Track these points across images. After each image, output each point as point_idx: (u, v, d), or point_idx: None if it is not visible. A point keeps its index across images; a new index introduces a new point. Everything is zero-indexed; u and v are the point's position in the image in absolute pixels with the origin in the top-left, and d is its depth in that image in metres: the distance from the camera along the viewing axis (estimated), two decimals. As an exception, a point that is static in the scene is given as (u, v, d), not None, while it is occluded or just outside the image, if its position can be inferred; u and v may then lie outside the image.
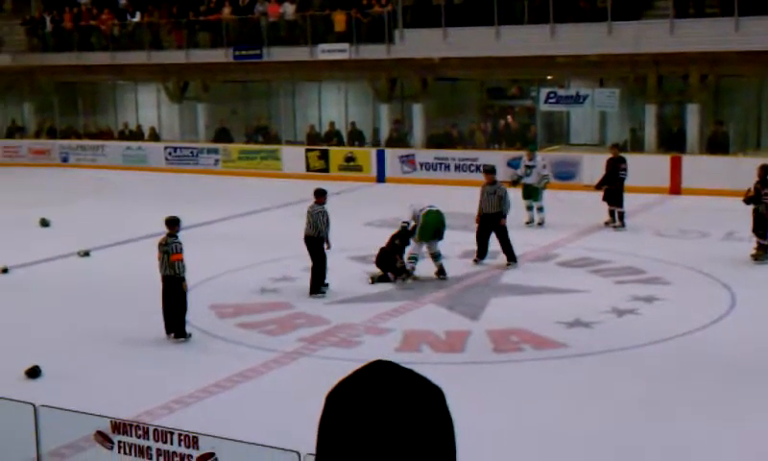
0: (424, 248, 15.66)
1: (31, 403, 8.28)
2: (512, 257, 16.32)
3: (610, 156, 19.72)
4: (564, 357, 11.59)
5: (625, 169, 19.18)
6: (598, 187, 19.58)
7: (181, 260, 12.56)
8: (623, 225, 19.25)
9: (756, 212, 16.00)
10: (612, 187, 19.20)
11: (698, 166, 23.07)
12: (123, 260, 17.85)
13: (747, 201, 16.16)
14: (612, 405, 10.14)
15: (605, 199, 19.37)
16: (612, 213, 19.35)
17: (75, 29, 33.77)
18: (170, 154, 31.58)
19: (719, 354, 11.50)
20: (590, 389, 10.63)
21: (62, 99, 35.22)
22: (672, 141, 24.63)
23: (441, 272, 15.57)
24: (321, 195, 15.13)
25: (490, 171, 17.14)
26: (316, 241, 14.81)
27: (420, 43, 26.65)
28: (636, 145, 25.04)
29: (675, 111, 25.36)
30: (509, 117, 28.53)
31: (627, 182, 19.48)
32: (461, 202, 22.37)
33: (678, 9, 23.41)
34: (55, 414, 8.20)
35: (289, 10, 29.76)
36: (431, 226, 15.50)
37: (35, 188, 28.18)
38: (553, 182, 21.44)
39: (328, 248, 14.92)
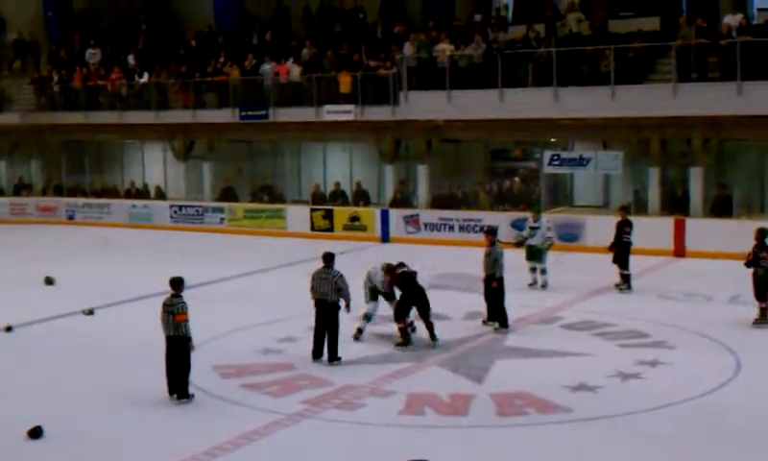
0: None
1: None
2: (503, 323, 16.24)
3: (618, 218, 19.82)
4: (568, 422, 11.53)
5: (629, 233, 19.27)
6: (610, 249, 19.65)
7: (186, 321, 12.58)
8: (629, 287, 19.27)
9: (755, 276, 16.01)
10: (619, 249, 19.29)
11: (702, 229, 23.09)
12: (127, 319, 17.86)
13: (747, 264, 16.19)
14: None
15: (614, 262, 19.44)
16: (621, 275, 19.40)
17: (83, 88, 34.08)
18: (175, 212, 31.72)
19: (726, 421, 11.42)
20: (595, 455, 10.56)
21: (69, 157, 35.46)
22: (675, 204, 24.71)
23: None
24: (331, 259, 14.79)
25: (488, 232, 17.19)
26: (332, 306, 14.54)
27: (424, 105, 26.86)
28: (640, 207, 25.10)
29: (678, 175, 25.45)
30: (516, 179, 28.63)
31: (633, 240, 19.53)
32: (464, 263, 22.46)
33: (680, 73, 23.60)
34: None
35: (295, 71, 30.03)
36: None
37: (40, 246, 28.27)
38: (557, 244, 21.46)
39: (348, 311, 14.85)
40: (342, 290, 14.52)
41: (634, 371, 13.60)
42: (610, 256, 19.61)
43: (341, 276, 14.57)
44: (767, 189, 25.97)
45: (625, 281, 19.35)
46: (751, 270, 16.08)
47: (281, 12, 33.57)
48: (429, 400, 12.49)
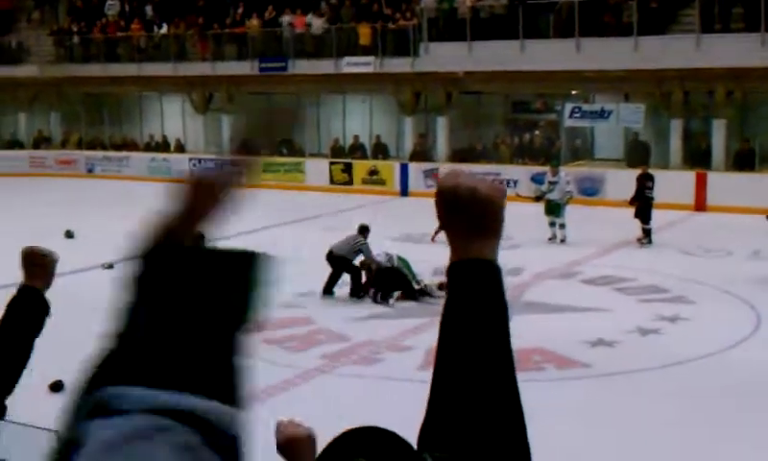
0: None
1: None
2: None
3: (639, 172, 19.68)
4: (587, 377, 11.52)
5: (651, 187, 19.17)
6: (631, 203, 19.54)
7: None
8: (650, 241, 19.17)
9: None
10: (641, 204, 19.18)
11: (724, 183, 22.90)
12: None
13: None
14: (637, 427, 10.05)
15: (636, 216, 19.34)
16: (643, 230, 19.29)
17: (102, 40, 34.00)
18: (194, 165, 31.69)
19: (745, 376, 11.37)
20: (614, 410, 10.54)
21: (89, 110, 35.48)
22: (697, 157, 24.49)
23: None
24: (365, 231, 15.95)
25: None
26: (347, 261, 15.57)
27: (444, 57, 26.65)
28: (641, 158, 24.89)
29: (701, 127, 25.20)
30: (537, 132, 28.44)
31: (654, 195, 19.42)
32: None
33: (703, 24, 23.29)
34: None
35: (316, 23, 29.83)
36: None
37: (60, 199, 28.36)
38: (577, 198, 21.34)
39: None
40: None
41: (653, 326, 13.55)
42: (630, 211, 19.49)
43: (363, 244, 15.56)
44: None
45: (646, 236, 19.25)
46: None
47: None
48: (447, 355, 12.48)
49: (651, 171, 19.92)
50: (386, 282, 15.59)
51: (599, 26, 24.88)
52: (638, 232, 19.37)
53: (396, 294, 15.52)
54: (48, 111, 36.55)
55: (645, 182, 19.25)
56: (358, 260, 15.76)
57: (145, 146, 34.14)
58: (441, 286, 15.61)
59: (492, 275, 1.64)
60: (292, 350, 13.01)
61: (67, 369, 10.96)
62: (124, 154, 33.77)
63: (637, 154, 25.11)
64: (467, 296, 1.64)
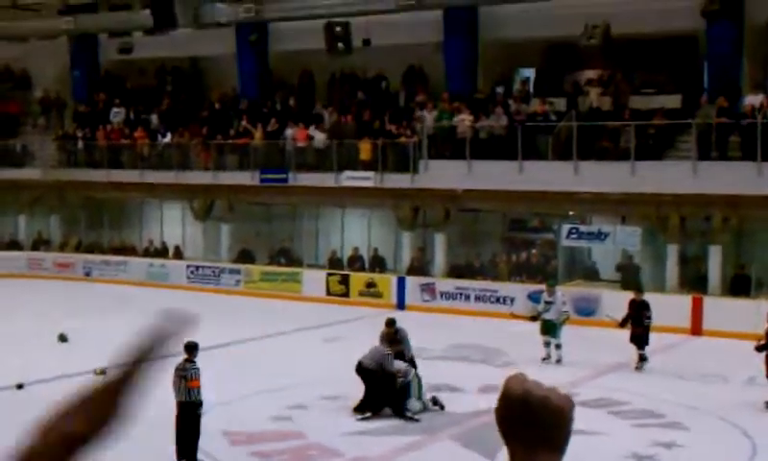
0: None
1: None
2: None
3: (632, 297, 19.68)
4: (580, 503, 11.35)
5: (650, 317, 19.19)
6: (622, 325, 19.51)
7: (199, 388, 12.53)
8: (642, 367, 19.10)
9: None
10: (639, 331, 19.16)
11: (720, 308, 22.90)
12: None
13: (759, 348, 16.05)
14: None
15: (633, 342, 19.28)
16: (640, 356, 19.24)
17: (106, 146, 34.41)
18: (192, 272, 31.79)
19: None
20: None
21: (89, 214, 35.71)
22: (694, 282, 24.57)
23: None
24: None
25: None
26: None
27: (443, 174, 26.95)
28: (631, 279, 24.99)
29: (697, 252, 25.34)
30: (533, 250, 28.59)
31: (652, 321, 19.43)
32: (480, 333, 22.36)
33: (700, 151, 23.62)
34: None
35: (318, 136, 30.25)
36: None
37: (56, 302, 28.32)
38: (574, 318, 21.34)
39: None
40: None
41: (649, 453, 13.42)
42: (627, 333, 19.42)
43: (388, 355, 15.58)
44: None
45: (641, 361, 19.19)
46: (764, 354, 15.92)
47: (306, 78, 33.90)
48: (440, 475, 12.35)
49: (646, 295, 19.91)
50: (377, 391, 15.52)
51: (597, 150, 25.22)
52: (635, 358, 19.22)
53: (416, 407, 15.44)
54: (48, 214, 36.75)
55: (643, 311, 19.20)
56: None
57: (144, 251, 34.24)
58: (434, 401, 15.61)
59: None
60: (283, 464, 12.86)
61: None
62: (122, 258, 33.84)
63: (629, 277, 25.22)
64: None
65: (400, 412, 15.23)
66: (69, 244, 36.08)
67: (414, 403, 15.50)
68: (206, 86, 36.46)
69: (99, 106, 36.60)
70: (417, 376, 15.71)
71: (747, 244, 25.19)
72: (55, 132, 37.03)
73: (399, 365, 15.63)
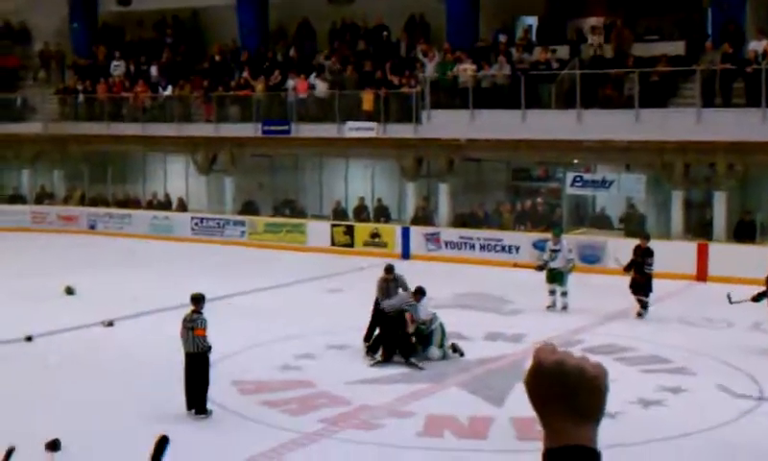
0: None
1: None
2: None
3: (638, 243, 19.67)
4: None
5: (651, 264, 19.10)
6: (627, 270, 19.51)
7: (205, 336, 12.58)
8: (644, 314, 19.08)
9: None
10: (640, 279, 19.12)
11: (725, 254, 22.92)
12: (147, 332, 17.87)
13: (756, 298, 16.14)
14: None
15: (634, 291, 19.24)
16: (640, 302, 19.22)
17: (107, 100, 34.29)
18: (196, 224, 31.80)
19: (749, 449, 11.30)
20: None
21: (92, 167, 35.62)
22: (699, 228, 24.56)
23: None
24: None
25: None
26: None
27: (446, 124, 26.84)
28: (636, 221, 24.96)
29: (702, 199, 25.30)
30: (538, 199, 28.55)
31: (655, 268, 19.40)
32: (485, 282, 22.40)
33: (705, 98, 23.49)
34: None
35: (320, 87, 30.11)
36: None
37: (61, 255, 28.38)
38: (579, 266, 21.35)
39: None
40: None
41: (655, 397, 13.49)
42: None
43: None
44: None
45: (642, 307, 19.17)
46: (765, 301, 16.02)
47: (306, 29, 33.68)
48: (448, 422, 12.42)
49: (651, 243, 19.88)
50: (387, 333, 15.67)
51: (600, 98, 25.09)
52: (636, 306, 19.20)
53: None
54: (51, 168, 36.70)
55: (646, 259, 19.14)
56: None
57: (147, 204, 34.24)
58: (454, 348, 15.73)
59: None
60: (291, 413, 12.93)
61: (66, 427, 10.85)
62: (126, 211, 33.85)
63: (633, 225, 25.21)
64: None
65: (407, 359, 15.33)
66: (73, 197, 36.05)
67: (434, 351, 15.63)
68: (206, 38, 36.23)
69: (99, 59, 36.40)
70: (441, 324, 15.81)
71: (752, 190, 25.12)
72: (55, 85, 36.86)
73: (426, 314, 15.80)
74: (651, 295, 19.21)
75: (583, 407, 1.53)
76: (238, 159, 32.13)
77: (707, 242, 23.61)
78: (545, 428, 1.55)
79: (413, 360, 15.34)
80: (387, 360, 15.46)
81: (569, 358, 1.57)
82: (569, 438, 1.54)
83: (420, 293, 15.99)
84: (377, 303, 16.32)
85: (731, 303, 16.94)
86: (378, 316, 16.20)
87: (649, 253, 19.25)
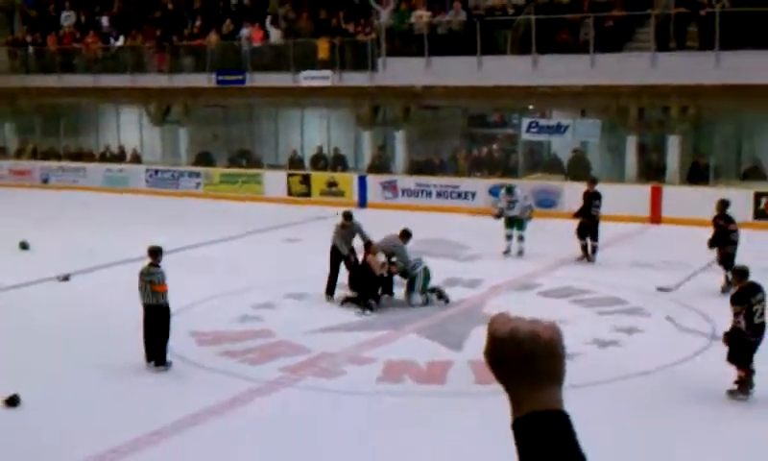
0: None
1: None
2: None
3: (586, 188, 19.73)
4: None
5: (599, 205, 19.04)
6: (576, 216, 19.59)
7: (166, 291, 12.52)
8: (593, 259, 19.05)
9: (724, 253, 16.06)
10: (587, 222, 19.11)
11: (678, 197, 23.18)
12: (104, 285, 17.74)
13: (711, 244, 16.32)
14: (597, 439, 10.12)
15: (579, 232, 19.21)
16: (584, 248, 19.20)
17: (58, 51, 33.73)
18: (151, 176, 31.53)
19: (702, 387, 11.51)
20: (575, 422, 10.58)
21: (44, 120, 35.13)
22: (652, 172, 24.79)
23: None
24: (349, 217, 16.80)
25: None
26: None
27: (402, 71, 26.75)
28: (585, 165, 25.11)
29: (656, 143, 25.51)
30: (494, 146, 28.61)
31: (609, 211, 19.51)
32: (443, 229, 22.48)
33: (659, 42, 23.60)
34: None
35: (274, 35, 29.82)
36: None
37: (14, 210, 28.02)
38: (535, 211, 21.44)
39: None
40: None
41: (611, 338, 13.68)
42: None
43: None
44: (743, 158, 26.08)
45: (592, 252, 19.12)
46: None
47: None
48: (407, 367, 12.51)
49: (607, 186, 19.99)
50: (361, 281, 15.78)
51: (556, 43, 25.10)
52: (580, 251, 19.18)
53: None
54: (2, 122, 36.14)
55: (593, 201, 19.08)
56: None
57: (101, 157, 33.87)
58: (439, 294, 15.87)
59: (565, 427, 1.57)
60: (251, 362, 12.95)
61: (24, 383, 10.79)
62: (80, 164, 33.47)
63: (580, 168, 25.35)
64: (543, 456, 1.56)
65: (365, 300, 15.50)
66: (25, 151, 35.57)
67: (417, 297, 15.72)
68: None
69: (49, 10, 35.75)
70: (425, 269, 15.87)
71: (705, 133, 25.40)
72: (4, 37, 36.21)
73: (412, 258, 15.98)
74: (598, 239, 19.19)
75: (542, 372, 1.54)
76: (192, 110, 31.84)
77: (660, 185, 23.85)
78: (510, 399, 1.56)
79: (371, 302, 15.48)
80: (357, 301, 15.62)
81: (522, 325, 1.58)
82: (535, 404, 1.55)
83: (406, 235, 16.11)
84: (335, 251, 16.38)
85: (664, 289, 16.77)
86: (337, 262, 16.28)
87: (596, 195, 19.21)
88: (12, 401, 11.33)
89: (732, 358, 11.18)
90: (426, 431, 10.39)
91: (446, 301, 15.88)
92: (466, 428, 10.32)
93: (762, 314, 11.01)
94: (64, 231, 23.89)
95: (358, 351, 13.33)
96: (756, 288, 11.14)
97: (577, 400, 10.35)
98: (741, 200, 21.50)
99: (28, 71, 34.48)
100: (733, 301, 11.16)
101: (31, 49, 34.65)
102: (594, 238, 19.17)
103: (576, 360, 12.64)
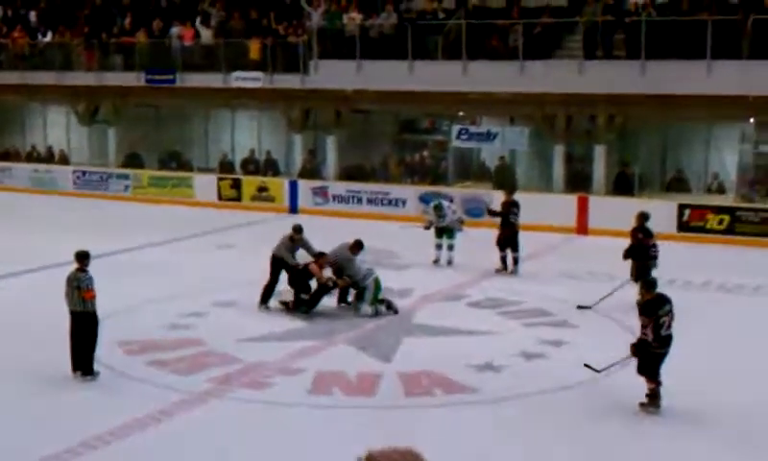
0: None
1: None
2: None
3: (503, 198, 19.78)
4: (474, 403, 11.72)
5: (517, 214, 19.07)
6: (492, 215, 19.77)
7: (94, 298, 12.36)
8: (516, 271, 19.08)
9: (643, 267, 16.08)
10: (506, 232, 19.13)
11: (604, 207, 23.50)
12: (28, 291, 17.47)
13: (626, 256, 16.48)
14: (524, 453, 10.29)
15: (498, 244, 19.23)
16: (503, 259, 19.20)
17: (-18, 46, 33.11)
18: (78, 178, 31.08)
19: (626, 400, 11.72)
20: (501, 436, 10.75)
21: (-32, 118, 34.41)
22: (579, 181, 25.13)
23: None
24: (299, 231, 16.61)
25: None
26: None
27: (334, 75, 26.78)
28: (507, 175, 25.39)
29: (583, 152, 25.87)
30: (425, 152, 28.77)
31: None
32: (372, 236, 22.51)
33: (586, 50, 23.96)
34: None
35: (205, 34, 29.60)
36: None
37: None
38: (465, 221, 21.61)
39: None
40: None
41: (537, 350, 13.87)
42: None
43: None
44: (668, 168, 26.59)
45: (513, 264, 19.12)
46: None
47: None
48: (337, 379, 12.55)
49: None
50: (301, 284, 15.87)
51: (486, 49, 25.32)
52: (498, 263, 19.17)
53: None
54: (-77, 118, 35.33)
55: (511, 209, 19.11)
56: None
57: (27, 156, 33.28)
58: (388, 306, 15.94)
59: None
60: (179, 373, 12.87)
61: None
62: (5, 164, 32.87)
63: (505, 177, 25.63)
64: None
65: (297, 298, 15.79)
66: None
67: (365, 308, 15.75)
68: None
69: (-27, 4, 35.04)
70: (376, 280, 15.90)
71: (630, 143, 25.80)
72: (-73, 31, 35.33)
73: (363, 269, 16.00)
74: (519, 250, 19.20)
75: None
76: (121, 110, 31.46)
77: (586, 195, 24.20)
78: None
79: (303, 296, 15.74)
80: (295, 309, 15.76)
81: (380, 457, 1.64)
82: None
83: (358, 247, 16.07)
84: (279, 260, 16.21)
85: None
86: (277, 271, 16.19)
87: (514, 204, 19.23)
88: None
89: (641, 370, 11.43)
90: (356, 445, 10.43)
91: (395, 311, 15.91)
92: (395, 442, 10.36)
93: (669, 326, 11.28)
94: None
95: (288, 362, 13.34)
96: (663, 300, 11.38)
97: (496, 413, 10.55)
98: (665, 211, 21.99)
99: (-48, 66, 33.79)
100: (641, 312, 11.40)
101: (-45, 44, 33.95)
102: (515, 249, 19.12)
103: (503, 373, 12.85)
